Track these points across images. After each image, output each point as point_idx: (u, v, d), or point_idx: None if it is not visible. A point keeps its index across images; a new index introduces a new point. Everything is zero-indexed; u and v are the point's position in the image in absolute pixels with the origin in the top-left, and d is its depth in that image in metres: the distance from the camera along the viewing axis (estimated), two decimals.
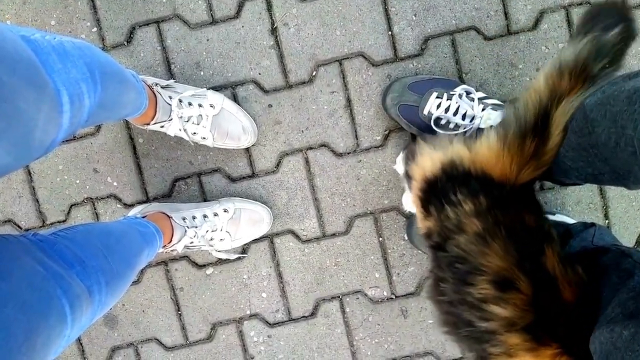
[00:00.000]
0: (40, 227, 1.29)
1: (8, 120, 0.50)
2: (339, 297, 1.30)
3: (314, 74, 1.23)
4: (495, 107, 1.09)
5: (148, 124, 1.10)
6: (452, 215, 0.78)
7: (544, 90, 0.77)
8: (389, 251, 1.27)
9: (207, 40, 1.23)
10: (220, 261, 1.28)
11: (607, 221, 1.25)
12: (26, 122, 0.53)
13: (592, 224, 1.00)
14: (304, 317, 1.30)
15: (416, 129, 1.16)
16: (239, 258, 1.28)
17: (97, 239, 0.76)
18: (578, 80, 0.76)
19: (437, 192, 0.81)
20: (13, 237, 0.63)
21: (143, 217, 1.08)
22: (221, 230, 1.18)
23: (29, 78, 0.54)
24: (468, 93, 1.12)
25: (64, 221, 1.28)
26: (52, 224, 1.28)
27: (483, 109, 1.08)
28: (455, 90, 1.12)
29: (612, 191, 1.24)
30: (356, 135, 1.24)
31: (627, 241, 1.26)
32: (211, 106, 1.15)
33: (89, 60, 0.67)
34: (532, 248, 0.74)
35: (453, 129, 1.10)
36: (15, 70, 0.52)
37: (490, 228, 0.75)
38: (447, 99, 1.11)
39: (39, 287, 0.58)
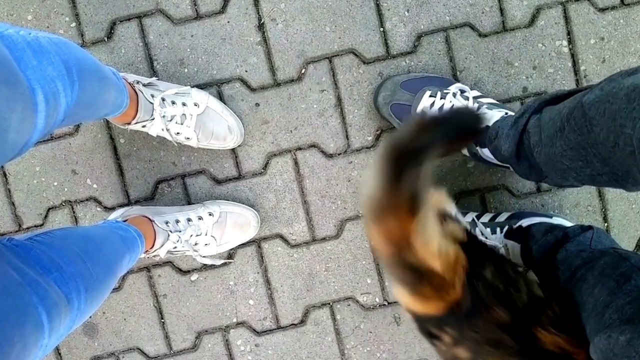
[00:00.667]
0: (16, 231, 1.27)
1: None
2: (329, 303, 1.29)
3: (302, 71, 1.22)
4: (490, 106, 1.09)
5: (129, 124, 1.09)
6: (443, 348, 0.78)
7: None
8: None
9: (192, 36, 1.22)
10: (205, 267, 1.27)
11: (605, 224, 1.26)
12: None
13: (590, 227, 1.00)
14: (293, 325, 1.30)
15: None
16: (224, 264, 1.27)
17: (75, 244, 0.76)
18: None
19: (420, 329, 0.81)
20: None
21: (124, 221, 1.07)
22: (206, 234, 1.17)
23: (1, 75, 0.53)
24: (462, 92, 1.12)
25: (41, 225, 1.27)
26: (28, 228, 1.27)
27: (478, 108, 1.08)
28: (449, 88, 1.13)
29: (611, 193, 1.25)
30: (347, 136, 1.24)
31: (627, 245, 1.26)
32: (195, 105, 1.14)
33: (66, 57, 0.67)
34: (524, 341, 0.73)
35: None
36: None
37: (475, 350, 0.74)
38: (441, 98, 1.11)
39: (14, 294, 0.57)
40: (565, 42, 1.21)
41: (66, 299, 0.66)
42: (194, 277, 1.28)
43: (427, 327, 0.78)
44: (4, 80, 0.53)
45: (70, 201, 1.26)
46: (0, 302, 0.54)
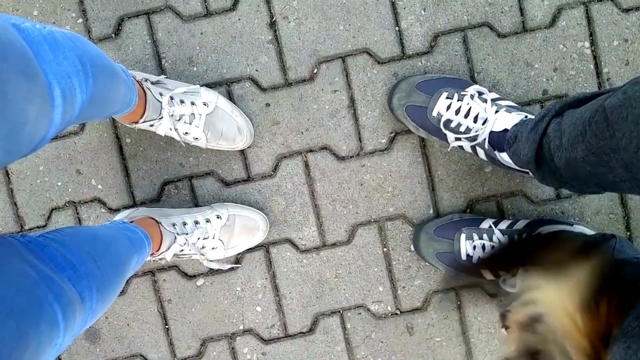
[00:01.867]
0: (19, 232, 1.29)
1: None
2: (339, 311, 1.31)
3: (315, 71, 1.24)
4: (509, 109, 1.10)
5: (136, 123, 1.11)
6: None
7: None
8: (394, 263, 1.28)
9: (201, 33, 1.24)
10: (211, 272, 1.29)
11: (628, 233, 1.27)
12: (16, 114, 0.54)
13: (613, 236, 1.01)
14: (301, 333, 1.31)
15: (424, 132, 1.17)
16: (232, 268, 1.29)
17: (86, 243, 0.77)
18: None
19: None
20: (1, 237, 0.64)
21: (130, 222, 1.09)
22: (213, 237, 1.19)
23: (20, 67, 0.55)
24: (480, 94, 1.13)
25: (43, 226, 1.29)
26: (31, 229, 1.29)
27: (496, 111, 1.10)
28: (466, 90, 1.14)
29: (634, 201, 1.26)
30: (360, 138, 1.26)
31: None
32: (204, 104, 1.16)
33: (80, 52, 0.69)
34: None
35: (464, 132, 1.11)
36: (6, 57, 0.53)
37: None
38: (458, 100, 1.12)
39: (29, 290, 0.59)
40: (587, 44, 1.23)
41: (80, 298, 0.68)
42: (200, 282, 1.30)
43: None
44: (22, 72, 0.55)
45: (74, 202, 1.29)
46: (15, 298, 0.56)
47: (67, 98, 0.64)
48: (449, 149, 1.18)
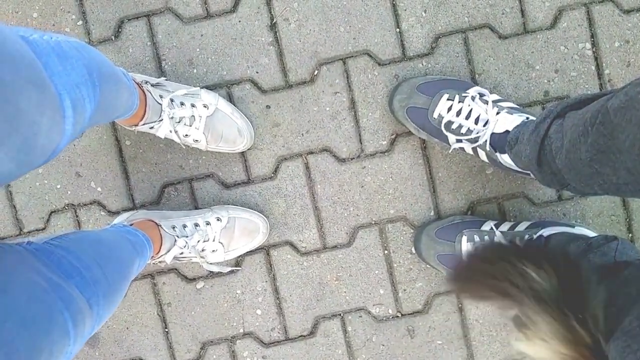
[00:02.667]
0: (17, 235, 1.30)
1: (11, 123, 0.51)
2: (340, 314, 1.31)
3: (315, 73, 1.25)
4: (510, 110, 1.10)
5: (136, 125, 1.12)
6: None
7: None
8: (395, 265, 1.28)
9: (201, 35, 1.24)
10: (211, 274, 1.29)
11: (630, 235, 1.27)
12: (29, 125, 0.54)
13: (615, 238, 1.01)
14: (302, 336, 1.31)
15: (425, 134, 1.17)
16: (232, 271, 1.29)
17: (90, 248, 0.77)
18: None
19: None
20: (8, 245, 0.64)
21: (130, 225, 1.09)
22: (214, 240, 1.19)
23: (31, 79, 0.55)
24: (481, 95, 1.14)
25: (42, 229, 1.29)
26: (29, 232, 1.30)
27: (497, 113, 1.10)
28: (467, 92, 1.14)
29: (636, 202, 1.26)
30: (360, 140, 1.26)
31: None
32: (205, 106, 1.16)
33: (87, 61, 0.69)
34: None
35: (465, 134, 1.11)
36: (17, 69, 0.53)
37: None
38: (459, 102, 1.12)
39: (39, 299, 0.59)
40: (588, 45, 1.23)
41: (88, 305, 0.68)
42: (200, 285, 1.30)
43: None
44: (33, 84, 0.55)
45: (73, 205, 1.29)
46: (26, 307, 0.55)
47: (78, 109, 0.64)
48: (450, 151, 1.18)
